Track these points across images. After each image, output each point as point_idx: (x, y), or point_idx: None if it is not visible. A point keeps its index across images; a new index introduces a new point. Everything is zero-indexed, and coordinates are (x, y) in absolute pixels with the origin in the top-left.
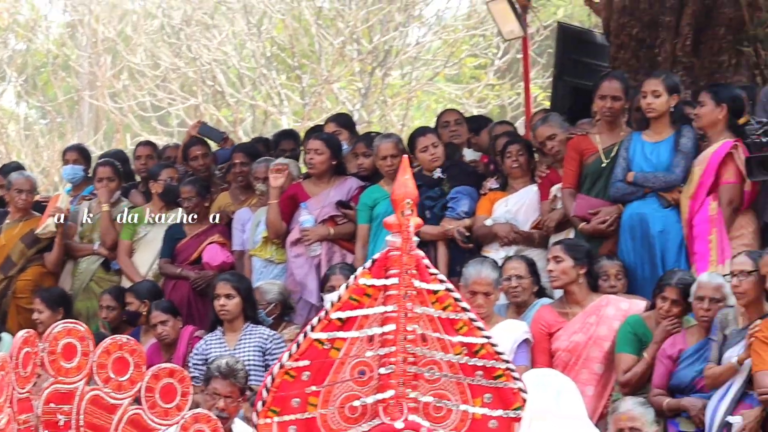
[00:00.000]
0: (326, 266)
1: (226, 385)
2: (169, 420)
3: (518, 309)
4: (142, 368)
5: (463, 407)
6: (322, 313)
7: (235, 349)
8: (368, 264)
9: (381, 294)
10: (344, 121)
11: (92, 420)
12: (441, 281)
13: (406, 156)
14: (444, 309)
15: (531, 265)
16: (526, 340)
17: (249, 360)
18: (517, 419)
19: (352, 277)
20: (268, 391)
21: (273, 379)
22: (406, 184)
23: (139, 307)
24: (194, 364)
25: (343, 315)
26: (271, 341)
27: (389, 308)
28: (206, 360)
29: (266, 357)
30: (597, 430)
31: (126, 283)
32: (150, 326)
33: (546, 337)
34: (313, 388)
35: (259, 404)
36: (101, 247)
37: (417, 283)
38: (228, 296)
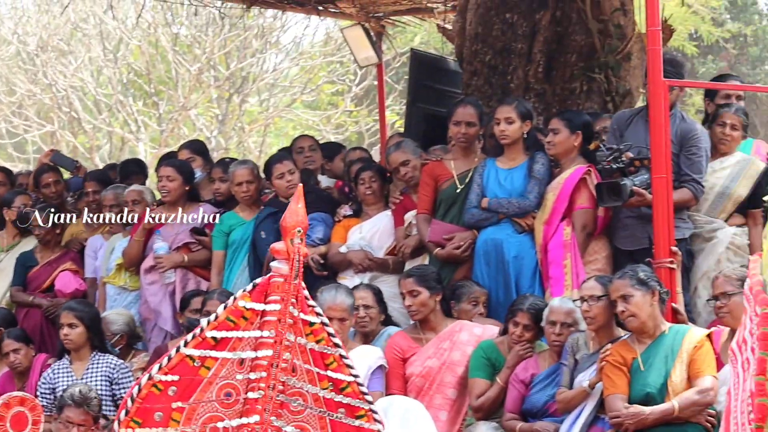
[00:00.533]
0: (180, 293)
1: (80, 414)
2: None
3: (365, 339)
4: None
5: None
6: (197, 330)
7: (82, 378)
8: (249, 287)
9: (258, 318)
10: (198, 147)
11: None
12: (318, 314)
13: (300, 185)
14: (317, 342)
15: (377, 294)
16: (380, 366)
17: (97, 389)
18: None
19: (232, 298)
20: (133, 400)
21: (139, 390)
22: (297, 212)
23: None
24: (42, 393)
25: (218, 335)
26: (118, 371)
27: (265, 333)
28: (54, 389)
29: (113, 387)
30: None
31: None
32: (2, 355)
33: (400, 362)
34: (179, 404)
35: (122, 413)
36: None
37: (296, 313)
38: (71, 326)
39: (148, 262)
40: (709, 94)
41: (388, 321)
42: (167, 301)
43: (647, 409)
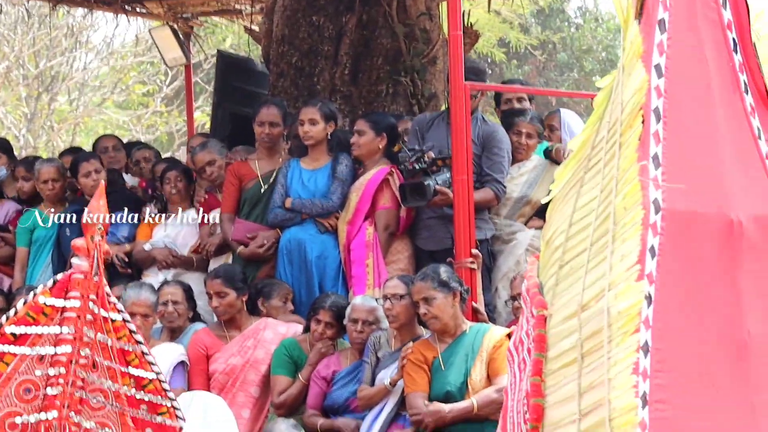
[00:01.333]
0: None
1: None
2: None
3: (173, 334)
4: None
5: None
6: None
7: None
8: (50, 283)
9: (58, 315)
10: (2, 145)
11: None
12: (119, 311)
13: (102, 182)
14: (119, 339)
15: (187, 290)
16: (182, 363)
17: None
18: None
19: (32, 293)
20: None
21: None
22: (98, 208)
23: None
24: None
25: (17, 330)
26: None
27: (65, 330)
28: None
29: None
30: None
31: None
32: None
33: (203, 359)
34: None
35: None
36: None
37: (96, 310)
38: None
39: None
40: (497, 101)
41: (196, 318)
42: None
43: (447, 407)
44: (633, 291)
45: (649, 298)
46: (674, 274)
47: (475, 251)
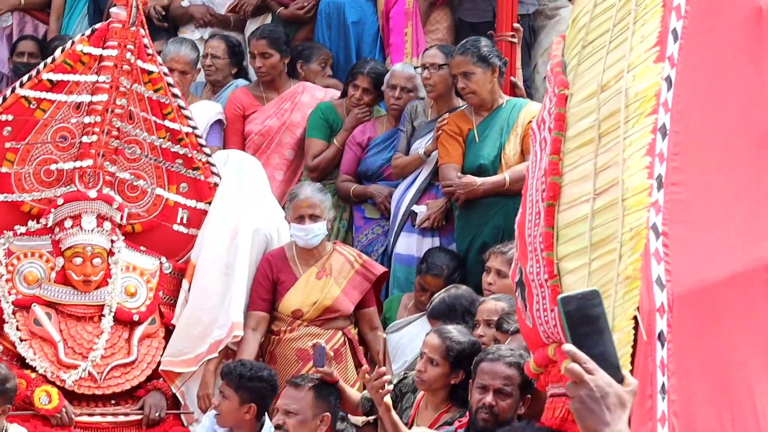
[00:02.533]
0: (17, 35)
1: None
2: None
3: (213, 88)
4: None
5: (158, 191)
6: (34, 72)
7: None
8: (88, 32)
9: (96, 63)
10: None
11: None
12: (158, 64)
13: None
14: (155, 91)
15: (231, 46)
16: (219, 121)
17: None
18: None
19: (70, 41)
20: None
21: None
22: None
23: None
24: None
25: (54, 77)
26: None
27: (102, 78)
28: None
29: None
30: (277, 204)
31: None
32: None
33: (240, 118)
34: (13, 143)
35: None
36: None
37: (133, 60)
38: None
39: None
40: None
41: (240, 74)
42: (3, 44)
43: (479, 180)
44: (650, 72)
45: (669, 80)
46: (697, 58)
47: (516, 25)
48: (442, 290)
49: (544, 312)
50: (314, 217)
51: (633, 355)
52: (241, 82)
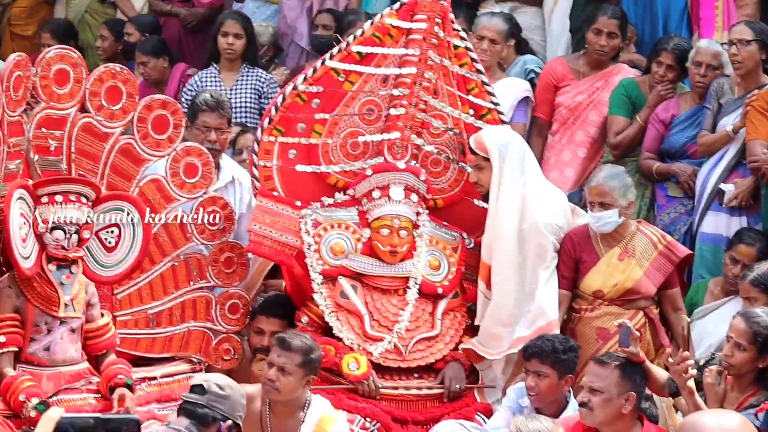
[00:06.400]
0: (317, 8)
1: (216, 117)
2: (161, 151)
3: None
4: (134, 98)
5: (461, 164)
6: (343, 44)
7: (231, 90)
8: (396, 5)
9: (404, 37)
10: None
11: (84, 147)
12: (462, 38)
13: None
14: (461, 66)
15: (511, 24)
16: (526, 98)
17: (245, 101)
18: None
19: (379, 15)
20: (276, 109)
21: (284, 99)
22: None
23: (139, 38)
24: (186, 99)
25: (363, 50)
26: (267, 85)
27: (410, 51)
28: None
29: (262, 100)
30: (551, 186)
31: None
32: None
33: (552, 88)
34: (322, 115)
35: (266, 121)
36: None
37: (441, 34)
38: (237, 36)
39: None
40: None
41: (523, 50)
42: (304, 17)
43: None
44: None
45: None
46: None
47: None
48: (763, 263)
49: None
50: (604, 205)
51: None
52: (529, 57)
